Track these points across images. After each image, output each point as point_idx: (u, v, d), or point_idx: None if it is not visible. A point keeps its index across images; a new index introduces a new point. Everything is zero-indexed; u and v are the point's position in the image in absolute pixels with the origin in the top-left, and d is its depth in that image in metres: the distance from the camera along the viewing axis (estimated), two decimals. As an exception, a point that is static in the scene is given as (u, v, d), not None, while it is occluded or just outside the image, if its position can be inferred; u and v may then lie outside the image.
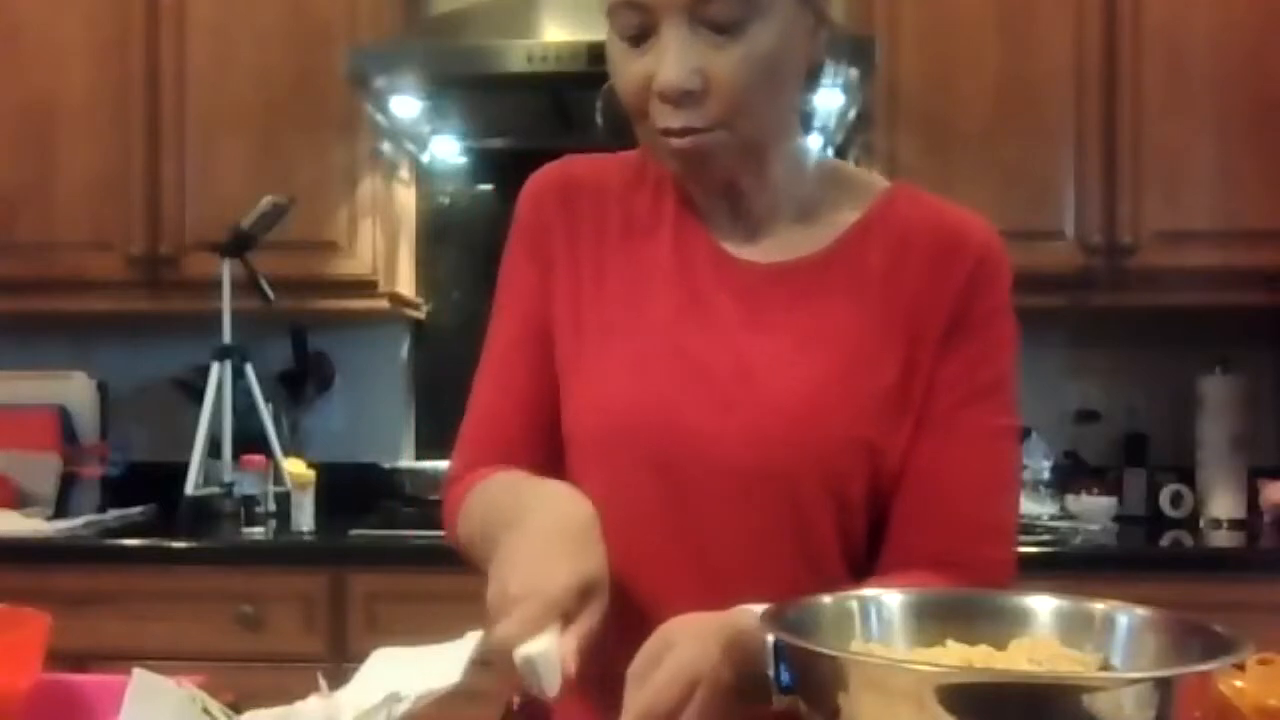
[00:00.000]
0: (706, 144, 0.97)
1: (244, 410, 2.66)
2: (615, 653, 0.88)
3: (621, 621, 0.91)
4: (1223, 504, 2.65)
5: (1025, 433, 2.68)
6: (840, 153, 2.71)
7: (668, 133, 0.97)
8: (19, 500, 2.60)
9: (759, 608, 0.83)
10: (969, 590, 0.84)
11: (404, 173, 2.85)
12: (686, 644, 0.83)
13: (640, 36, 0.96)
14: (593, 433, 1.04)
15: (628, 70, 0.97)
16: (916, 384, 1.00)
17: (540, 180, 1.13)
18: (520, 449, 1.08)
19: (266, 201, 2.49)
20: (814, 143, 2.73)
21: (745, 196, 1.06)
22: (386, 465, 2.78)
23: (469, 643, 0.87)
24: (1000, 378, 1.02)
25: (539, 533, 0.88)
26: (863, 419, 0.99)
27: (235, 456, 2.64)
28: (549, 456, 1.08)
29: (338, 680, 0.86)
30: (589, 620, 0.85)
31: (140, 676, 0.85)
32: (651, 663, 0.83)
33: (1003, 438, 1.03)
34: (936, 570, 0.97)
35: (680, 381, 1.01)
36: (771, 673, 0.80)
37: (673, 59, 0.94)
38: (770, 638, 0.81)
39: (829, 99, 2.43)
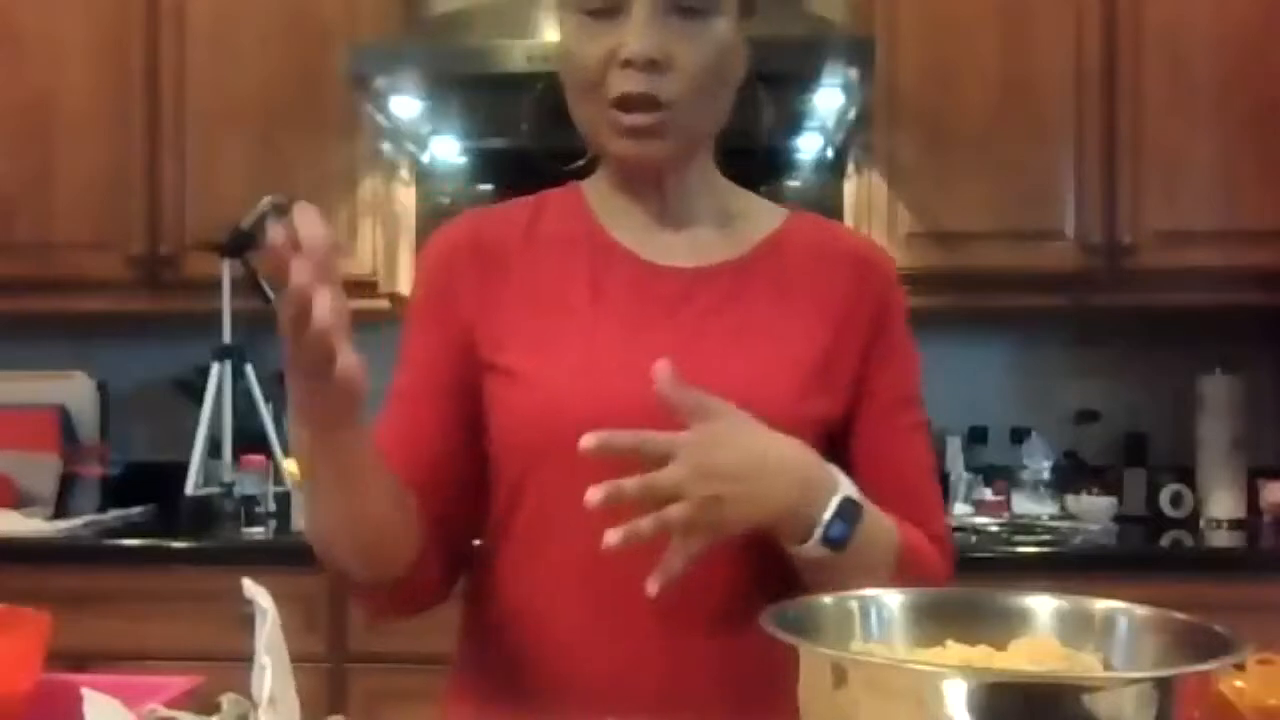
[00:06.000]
0: (659, 121, 1.02)
1: (244, 410, 2.66)
2: (590, 640, 0.99)
3: (599, 604, 1.00)
4: (1223, 504, 2.65)
5: (1025, 432, 2.70)
6: (840, 153, 2.71)
7: (625, 101, 1.02)
8: (19, 500, 2.60)
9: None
10: (969, 590, 0.84)
11: (404, 173, 2.85)
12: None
13: (605, 12, 1.02)
14: (544, 440, 1.04)
15: (588, 44, 1.03)
16: (842, 372, 1.10)
17: (446, 240, 1.14)
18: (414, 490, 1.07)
19: (266, 201, 2.49)
20: (814, 143, 2.73)
21: (667, 198, 1.11)
22: (386, 465, 2.77)
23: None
24: (918, 386, 1.17)
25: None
26: (804, 398, 1.06)
27: (235, 456, 2.64)
28: (442, 506, 1.09)
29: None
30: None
31: (91, 698, 0.82)
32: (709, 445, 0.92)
33: (925, 431, 1.18)
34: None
35: (624, 386, 1.00)
36: (827, 517, 0.94)
37: (644, 30, 1.01)
38: (839, 495, 0.96)
39: (829, 99, 2.43)
